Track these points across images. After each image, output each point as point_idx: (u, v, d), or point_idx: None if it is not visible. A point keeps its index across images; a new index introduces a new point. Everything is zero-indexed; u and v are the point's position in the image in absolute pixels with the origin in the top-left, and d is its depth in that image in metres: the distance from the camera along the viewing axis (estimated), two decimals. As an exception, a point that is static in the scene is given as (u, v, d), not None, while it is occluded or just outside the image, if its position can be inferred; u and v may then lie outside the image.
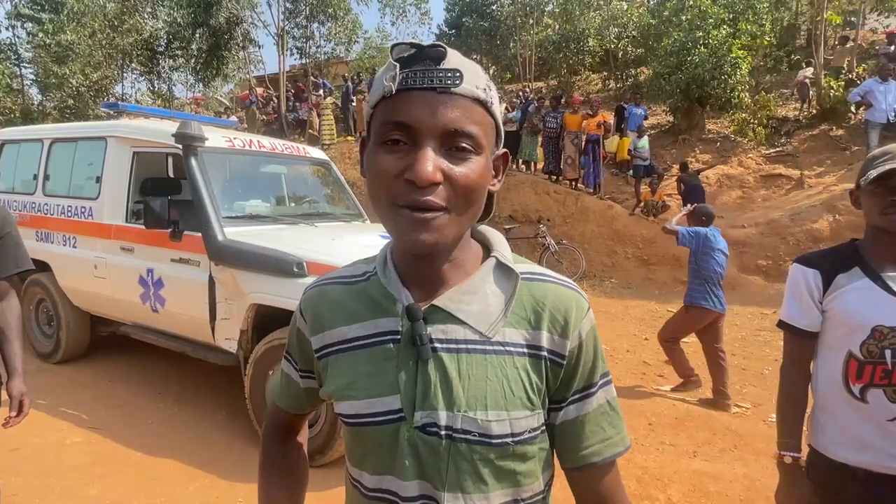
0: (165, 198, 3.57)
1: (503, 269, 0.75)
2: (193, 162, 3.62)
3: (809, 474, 1.47)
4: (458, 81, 0.64)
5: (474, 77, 0.66)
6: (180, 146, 3.65)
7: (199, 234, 3.45)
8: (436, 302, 0.72)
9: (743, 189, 10.30)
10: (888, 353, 1.32)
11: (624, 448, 0.77)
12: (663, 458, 3.32)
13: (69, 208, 4.38)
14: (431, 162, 0.63)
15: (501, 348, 0.71)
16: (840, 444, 1.40)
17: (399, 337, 0.72)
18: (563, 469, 0.79)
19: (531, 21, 16.53)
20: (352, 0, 17.20)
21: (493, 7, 18.32)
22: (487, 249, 0.78)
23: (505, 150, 0.76)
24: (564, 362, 0.73)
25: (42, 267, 4.50)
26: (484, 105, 0.67)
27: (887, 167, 1.30)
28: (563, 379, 0.74)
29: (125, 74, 17.84)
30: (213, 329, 3.48)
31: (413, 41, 0.66)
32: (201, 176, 3.58)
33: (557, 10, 16.75)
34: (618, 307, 7.15)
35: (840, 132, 10.45)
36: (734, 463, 3.27)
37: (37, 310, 4.80)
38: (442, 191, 0.64)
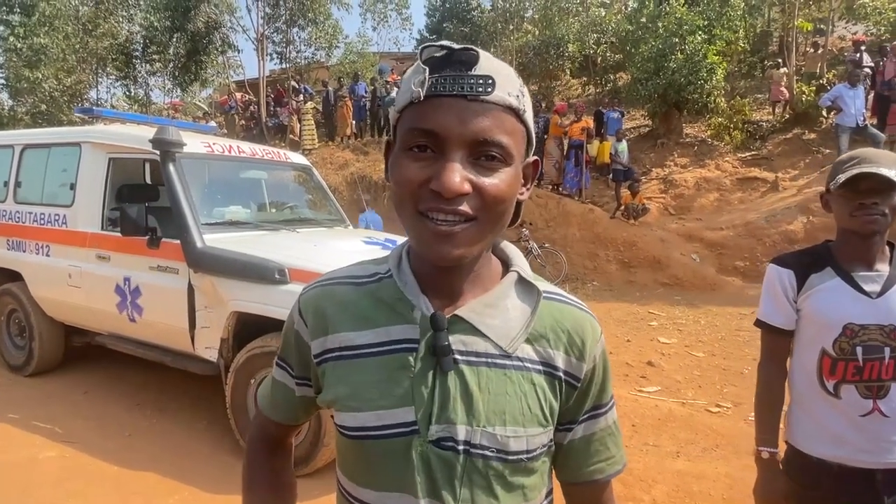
0: (143, 204, 3.49)
1: (524, 285, 0.74)
2: (171, 168, 3.55)
3: (787, 470, 1.50)
4: (489, 89, 0.62)
5: (507, 83, 0.63)
6: (158, 152, 3.59)
7: (178, 242, 3.38)
8: (459, 312, 0.70)
9: (720, 192, 10.49)
10: (859, 349, 1.36)
11: (622, 466, 0.80)
12: (647, 459, 3.34)
13: (42, 216, 4.27)
14: (458, 173, 0.61)
15: (520, 364, 0.70)
16: (816, 439, 1.43)
17: (416, 346, 0.69)
18: (560, 482, 0.80)
19: (511, 27, 16.65)
20: (332, 5, 17.16)
21: (474, 13, 18.46)
22: (505, 264, 0.77)
23: (535, 157, 0.73)
24: (579, 384, 0.74)
25: (13, 276, 4.37)
26: (516, 113, 0.64)
27: (854, 172, 1.35)
28: (575, 400, 0.74)
29: (100, 79, 17.51)
30: (192, 338, 3.41)
31: (444, 43, 0.63)
32: (179, 182, 3.52)
33: (537, 17, 16.89)
34: (600, 310, 7.21)
35: (812, 136, 10.72)
36: (716, 462, 3.31)
37: (8, 321, 4.66)
38: (470, 201, 0.62)
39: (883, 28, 12.57)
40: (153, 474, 3.10)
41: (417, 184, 0.63)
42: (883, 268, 1.40)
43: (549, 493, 0.78)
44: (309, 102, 14.50)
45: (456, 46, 0.63)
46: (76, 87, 15.72)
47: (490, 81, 0.62)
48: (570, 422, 0.75)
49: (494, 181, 0.63)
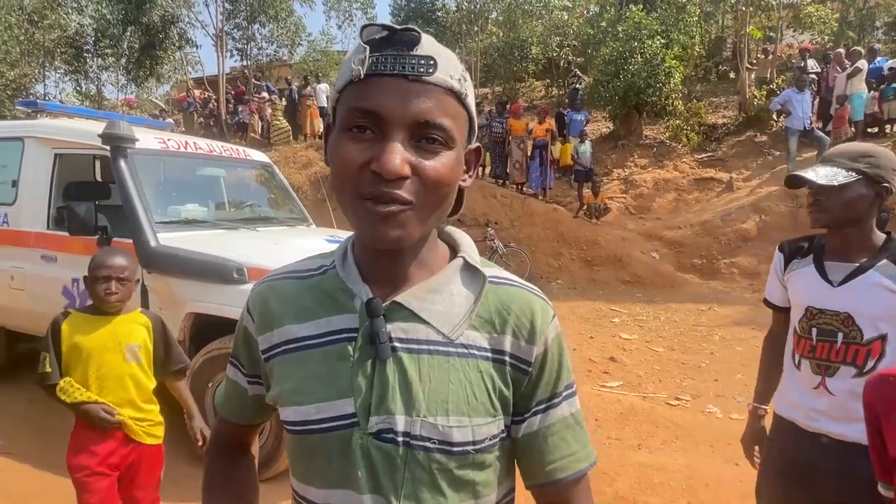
0: (92, 202, 3.33)
1: (470, 271, 0.72)
2: (122, 164, 3.41)
3: (773, 427, 1.69)
4: (431, 70, 0.61)
5: (448, 65, 0.62)
6: (108, 147, 3.43)
7: (130, 241, 3.24)
8: (398, 298, 0.68)
9: (678, 192, 10.81)
10: (814, 330, 1.51)
11: (589, 463, 0.73)
12: (609, 452, 3.40)
13: (-20, 215, 4.02)
14: (399, 155, 0.59)
15: (465, 351, 0.68)
16: (783, 400, 1.63)
17: (356, 335, 0.67)
18: (528, 489, 0.75)
19: (476, 28, 16.75)
20: (295, 2, 16.88)
21: (439, 14, 18.46)
22: (454, 251, 0.75)
23: (478, 144, 0.73)
24: (530, 369, 0.70)
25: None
26: (458, 96, 0.64)
27: (796, 173, 1.50)
28: (527, 387, 0.70)
29: (48, 73, 16.72)
30: (146, 341, 3.27)
31: (385, 23, 0.62)
32: (131, 179, 3.38)
33: (501, 19, 17.05)
34: (564, 308, 7.31)
35: (764, 138, 11.17)
36: (676, 454, 3.40)
37: (-56, 327, 4.37)
38: (410, 185, 0.61)
39: (826, 37, 13.25)
40: (104, 485, 2.96)
41: (358, 166, 0.61)
42: (861, 259, 1.45)
43: (510, 492, 0.74)
44: (281, 99, 14.13)
45: (397, 27, 0.62)
46: (21, 80, 14.97)
47: (432, 62, 0.61)
48: (523, 412, 0.70)
49: (435, 164, 0.62)
